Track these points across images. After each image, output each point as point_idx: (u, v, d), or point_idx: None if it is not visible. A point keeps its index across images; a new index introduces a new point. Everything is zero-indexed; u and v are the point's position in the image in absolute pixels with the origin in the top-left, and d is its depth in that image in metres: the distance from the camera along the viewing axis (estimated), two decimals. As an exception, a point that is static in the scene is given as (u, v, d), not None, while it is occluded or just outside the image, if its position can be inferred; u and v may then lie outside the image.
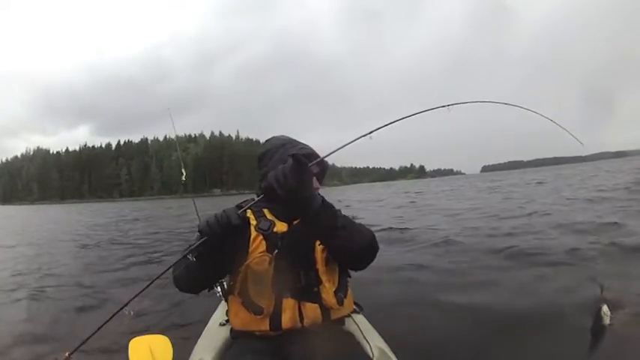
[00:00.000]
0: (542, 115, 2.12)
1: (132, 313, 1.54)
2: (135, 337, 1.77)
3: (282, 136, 1.87)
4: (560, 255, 4.73)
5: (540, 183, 22.28)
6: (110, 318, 1.51)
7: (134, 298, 1.53)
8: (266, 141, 1.89)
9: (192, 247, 1.51)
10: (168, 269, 1.60)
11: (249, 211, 1.70)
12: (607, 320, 1.83)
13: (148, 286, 1.54)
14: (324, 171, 1.77)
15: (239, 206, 1.69)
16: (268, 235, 1.68)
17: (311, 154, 1.69)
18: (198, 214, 2.84)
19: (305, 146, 1.78)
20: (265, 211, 1.76)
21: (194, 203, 3.17)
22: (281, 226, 1.71)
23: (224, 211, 1.52)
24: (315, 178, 1.69)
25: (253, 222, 1.71)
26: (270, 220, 1.72)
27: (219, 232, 1.46)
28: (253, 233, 1.68)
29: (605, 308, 1.86)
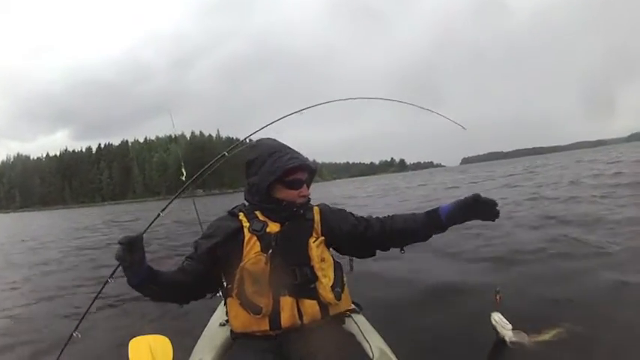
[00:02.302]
0: (415, 105, 2.24)
1: (79, 335, 1.79)
2: (135, 337, 1.77)
3: (271, 140, 1.88)
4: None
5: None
6: (63, 348, 1.79)
7: (79, 324, 1.80)
8: (253, 146, 1.90)
9: (112, 273, 1.73)
10: (97, 295, 1.86)
11: (241, 213, 1.80)
12: (500, 330, 1.77)
13: (87, 310, 1.83)
14: (312, 176, 1.87)
15: (231, 212, 1.83)
16: (262, 235, 1.71)
17: (299, 167, 1.76)
18: (197, 214, 2.84)
19: (293, 155, 1.78)
20: (257, 212, 1.79)
21: (194, 203, 3.18)
22: (274, 227, 1.74)
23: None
24: (305, 185, 1.81)
25: (246, 224, 1.75)
26: (263, 221, 1.75)
27: (122, 255, 1.50)
28: (247, 235, 1.71)
29: (497, 316, 1.81)
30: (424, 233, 1.80)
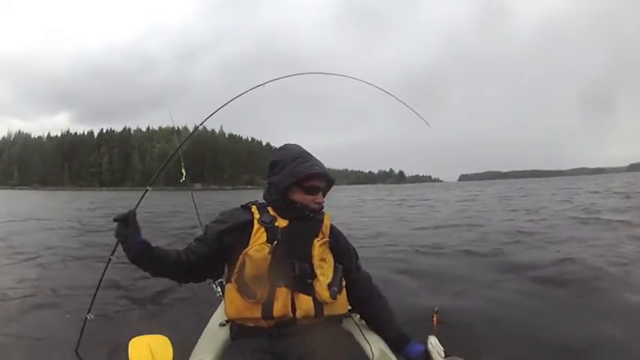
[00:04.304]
0: (381, 89, 2.37)
1: (92, 317, 1.91)
2: (135, 337, 1.76)
3: (296, 146, 1.99)
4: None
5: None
6: (82, 331, 1.89)
7: (91, 306, 1.91)
8: (280, 149, 2.00)
9: (113, 251, 1.82)
10: (103, 275, 1.93)
11: (254, 207, 1.91)
12: (435, 356, 1.73)
13: (96, 291, 1.94)
14: (329, 187, 1.98)
15: (244, 206, 1.93)
16: (270, 227, 1.80)
17: (318, 174, 1.86)
18: (196, 207, 2.92)
19: (315, 163, 1.88)
20: (269, 208, 1.90)
21: (192, 195, 3.22)
22: (282, 222, 1.84)
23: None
24: (320, 193, 1.91)
25: (257, 216, 1.85)
26: (273, 216, 1.86)
27: (119, 232, 1.64)
28: (256, 225, 1.81)
29: (433, 340, 1.78)
30: (386, 340, 1.91)
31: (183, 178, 2.63)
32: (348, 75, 2.38)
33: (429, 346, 1.77)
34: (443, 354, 1.75)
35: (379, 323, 1.95)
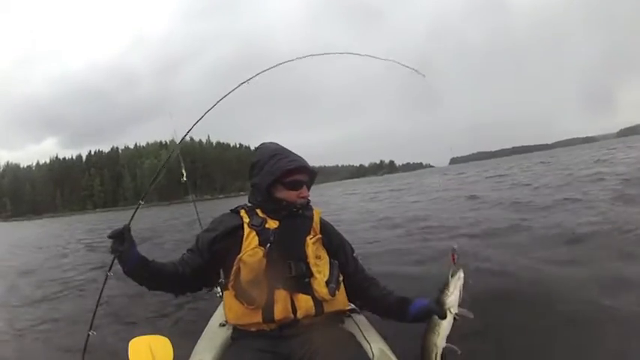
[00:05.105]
0: (370, 56, 2.42)
1: (95, 333, 1.90)
2: (135, 337, 1.77)
3: (273, 144, 1.98)
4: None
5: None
6: (85, 347, 1.87)
7: (92, 322, 1.90)
8: (257, 149, 2.00)
9: (110, 267, 1.83)
10: (102, 291, 1.96)
11: (242, 210, 1.89)
12: (452, 289, 1.70)
13: (96, 307, 1.94)
14: (312, 179, 1.96)
15: (234, 210, 1.92)
16: (261, 230, 1.78)
17: (298, 168, 1.85)
18: (199, 218, 2.92)
19: (294, 158, 1.87)
20: (257, 210, 1.88)
21: (195, 206, 3.23)
22: (272, 223, 1.82)
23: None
24: (304, 187, 1.89)
25: (246, 220, 1.83)
26: (263, 218, 1.84)
27: (115, 248, 1.62)
28: (246, 230, 1.79)
29: (462, 274, 1.73)
30: (388, 316, 1.92)
31: (184, 178, 2.66)
32: (332, 52, 2.42)
33: (457, 277, 1.64)
34: (456, 301, 1.68)
35: (377, 299, 1.91)
